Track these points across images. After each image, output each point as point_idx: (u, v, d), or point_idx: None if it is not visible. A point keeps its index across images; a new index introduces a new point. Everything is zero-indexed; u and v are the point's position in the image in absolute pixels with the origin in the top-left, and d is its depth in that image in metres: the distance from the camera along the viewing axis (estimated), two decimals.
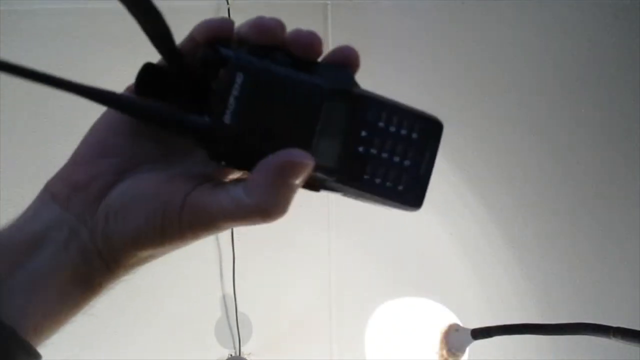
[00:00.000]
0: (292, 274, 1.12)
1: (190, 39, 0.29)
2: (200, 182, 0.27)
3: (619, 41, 0.99)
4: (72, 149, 0.30)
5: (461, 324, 0.73)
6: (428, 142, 0.29)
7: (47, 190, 0.29)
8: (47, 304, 0.28)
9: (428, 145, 0.29)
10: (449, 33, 1.07)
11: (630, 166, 1.00)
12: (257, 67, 0.26)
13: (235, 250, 1.07)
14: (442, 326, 0.73)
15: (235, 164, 0.28)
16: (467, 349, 0.71)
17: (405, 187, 0.29)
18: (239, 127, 0.26)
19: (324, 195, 0.29)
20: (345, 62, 0.28)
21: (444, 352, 0.71)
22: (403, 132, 0.29)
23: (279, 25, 0.27)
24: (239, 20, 0.28)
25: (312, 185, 0.28)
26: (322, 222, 1.12)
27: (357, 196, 0.29)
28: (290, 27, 0.28)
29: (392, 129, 0.28)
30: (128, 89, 0.29)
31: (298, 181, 0.25)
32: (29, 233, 0.28)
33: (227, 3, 0.97)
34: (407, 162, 0.29)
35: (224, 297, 1.10)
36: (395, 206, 0.29)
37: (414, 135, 0.29)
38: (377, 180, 0.28)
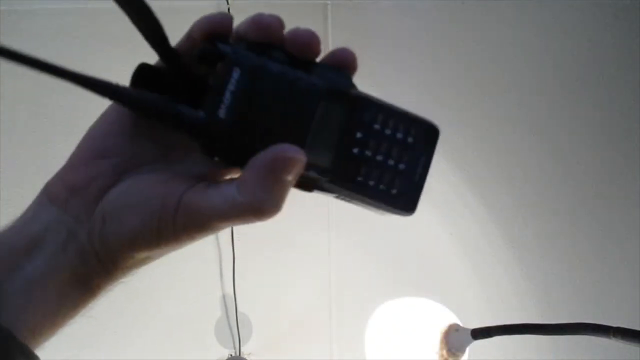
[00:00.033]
0: (292, 274, 1.12)
1: (188, 37, 0.28)
2: (196, 183, 0.27)
3: (619, 41, 0.99)
4: (72, 149, 0.30)
5: (461, 324, 0.73)
6: (424, 146, 0.29)
7: (46, 192, 0.29)
8: (45, 306, 0.28)
9: (424, 150, 0.29)
10: (449, 33, 1.07)
11: (630, 166, 1.00)
12: (255, 63, 0.26)
13: (235, 250, 1.07)
14: (442, 326, 0.73)
15: (228, 160, 0.27)
16: (467, 349, 0.71)
17: (399, 191, 0.28)
18: (233, 122, 0.26)
19: (324, 195, 0.29)
20: (343, 63, 0.28)
21: (444, 352, 0.71)
22: (399, 135, 0.28)
23: (277, 22, 0.27)
24: (239, 20, 0.28)
25: (305, 185, 0.28)
26: (322, 222, 1.12)
27: (350, 198, 0.29)
28: (290, 27, 0.28)
29: (388, 131, 0.28)
30: None
31: (291, 177, 0.25)
32: (27, 235, 0.28)
33: (227, 3, 0.97)
34: (401, 166, 0.28)
35: (224, 297, 1.10)
36: (388, 210, 0.29)
37: (410, 139, 0.28)
38: (371, 183, 0.28)
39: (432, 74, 1.08)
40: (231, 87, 0.26)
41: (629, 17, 0.98)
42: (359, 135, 0.28)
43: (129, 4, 0.25)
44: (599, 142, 1.02)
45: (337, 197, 0.29)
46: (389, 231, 1.05)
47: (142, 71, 0.28)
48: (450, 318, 0.74)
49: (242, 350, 1.11)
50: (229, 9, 0.96)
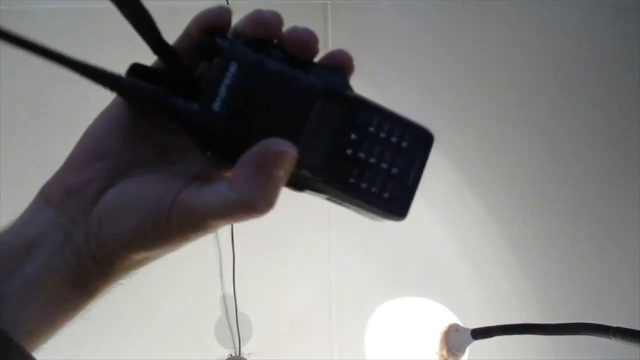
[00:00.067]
0: (292, 274, 1.12)
1: (186, 34, 0.28)
2: (191, 183, 0.27)
3: (619, 41, 0.99)
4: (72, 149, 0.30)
5: (461, 324, 0.73)
6: (418, 152, 0.29)
7: (42, 194, 0.29)
8: (42, 308, 0.28)
9: (418, 155, 0.29)
10: (449, 33, 1.07)
11: (630, 166, 1.00)
12: (252, 59, 0.26)
13: (235, 250, 1.07)
14: (442, 326, 0.73)
15: (221, 155, 0.27)
16: (467, 349, 0.71)
17: (391, 195, 0.28)
18: (227, 116, 0.26)
19: (315, 196, 0.29)
20: (340, 65, 0.28)
21: (444, 352, 0.71)
22: (393, 139, 0.28)
23: (276, 18, 0.27)
24: (239, 20, 0.28)
25: (297, 184, 0.27)
26: (322, 222, 1.12)
27: (341, 200, 0.28)
28: (289, 26, 0.28)
29: (383, 134, 0.28)
30: None
31: (282, 172, 0.25)
32: (24, 237, 0.28)
33: (227, 3, 0.97)
34: (395, 170, 0.28)
35: (224, 297, 1.10)
36: (379, 214, 0.29)
37: (404, 144, 0.28)
38: (363, 185, 0.28)
39: (432, 74, 1.08)
40: (227, 81, 0.26)
41: (629, 17, 0.98)
42: (353, 136, 0.27)
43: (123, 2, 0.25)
44: (599, 142, 1.02)
45: (328, 199, 0.29)
46: (389, 231, 1.05)
47: (135, 71, 0.28)
48: (450, 318, 0.74)
49: (242, 350, 1.11)
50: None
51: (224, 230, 1.07)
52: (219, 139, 0.26)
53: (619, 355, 0.83)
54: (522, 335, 0.67)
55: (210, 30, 0.27)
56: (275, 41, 0.27)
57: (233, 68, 0.26)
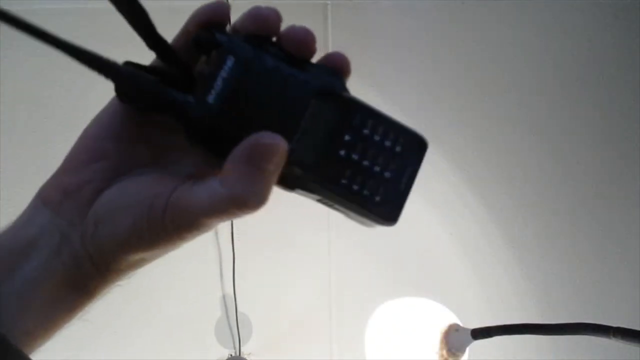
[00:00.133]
0: (292, 274, 1.12)
1: (184, 31, 0.28)
2: (185, 182, 0.27)
3: (619, 41, 0.99)
4: None
5: (461, 324, 0.73)
6: (411, 157, 0.28)
7: (40, 196, 0.29)
8: (40, 309, 0.28)
9: (411, 160, 0.28)
10: (449, 33, 1.07)
11: (630, 166, 1.00)
12: (250, 54, 0.26)
13: (235, 250, 1.07)
14: (442, 326, 0.73)
15: (213, 149, 0.27)
16: (467, 349, 0.71)
17: (383, 199, 0.28)
18: (221, 109, 0.26)
19: (306, 196, 0.29)
20: (337, 67, 0.28)
21: (444, 352, 0.71)
22: (387, 143, 0.28)
23: (275, 14, 0.27)
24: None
25: (288, 182, 0.27)
26: (322, 222, 1.12)
27: (332, 202, 0.28)
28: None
29: (377, 137, 0.28)
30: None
31: (272, 166, 0.24)
32: (22, 239, 0.28)
33: (227, 2, 0.97)
34: (387, 174, 0.28)
35: (224, 297, 1.10)
36: (369, 217, 0.28)
37: (398, 148, 0.28)
38: (355, 187, 0.27)
39: (432, 74, 1.08)
40: (224, 74, 0.26)
41: (629, 17, 0.98)
42: (347, 138, 0.27)
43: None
44: (599, 142, 1.02)
45: (319, 201, 0.28)
46: (389, 231, 1.05)
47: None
48: (450, 318, 0.74)
49: (242, 350, 1.12)
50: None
51: (224, 230, 1.07)
52: (212, 133, 0.26)
53: (619, 355, 0.83)
54: (522, 335, 0.67)
55: (209, 25, 0.27)
56: (273, 39, 0.27)
57: (230, 62, 0.26)
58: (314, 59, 0.28)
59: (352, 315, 1.10)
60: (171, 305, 1.05)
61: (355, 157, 0.27)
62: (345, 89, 0.28)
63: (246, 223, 1.06)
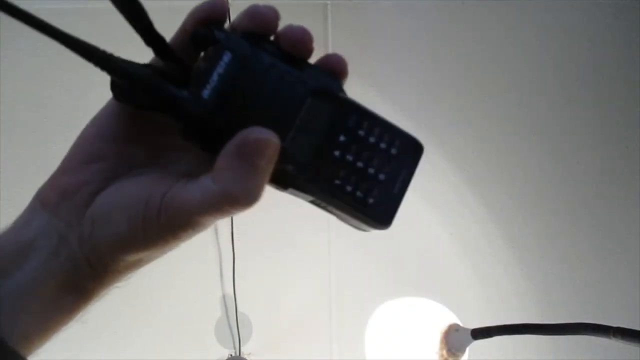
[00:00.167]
0: (292, 274, 1.12)
1: (183, 29, 0.28)
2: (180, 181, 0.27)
3: (619, 41, 0.99)
4: None
5: (461, 324, 0.73)
6: (407, 160, 0.28)
7: (38, 198, 0.29)
8: (38, 311, 0.28)
9: (406, 163, 0.28)
10: (449, 33, 1.07)
11: (630, 166, 1.00)
12: (246, 51, 0.26)
13: (235, 250, 1.07)
14: (442, 326, 0.73)
15: (207, 145, 0.26)
16: (467, 349, 0.71)
17: (376, 201, 0.27)
18: (215, 104, 0.25)
19: (299, 197, 0.28)
20: (334, 69, 0.28)
21: (444, 352, 0.71)
22: (383, 145, 0.28)
23: (273, 12, 0.27)
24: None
25: (281, 180, 0.27)
26: (322, 222, 1.12)
27: (325, 203, 0.28)
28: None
29: (372, 139, 0.27)
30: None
31: (264, 162, 0.24)
32: (20, 240, 0.28)
33: (228, 3, 0.97)
34: (382, 176, 0.28)
35: (224, 297, 1.10)
36: (362, 220, 0.28)
37: (393, 151, 0.28)
38: (348, 188, 0.27)
39: (432, 74, 1.08)
40: (220, 69, 0.25)
41: (629, 17, 0.98)
42: (342, 138, 0.27)
43: None
44: (599, 142, 1.03)
45: (312, 202, 0.28)
46: (388, 231, 1.05)
47: None
48: (450, 318, 0.74)
49: (242, 350, 1.11)
50: (229, 9, 0.95)
51: (224, 230, 1.07)
52: (205, 129, 0.26)
53: (619, 355, 0.83)
54: (522, 335, 0.67)
55: (207, 22, 0.27)
56: (271, 37, 0.27)
57: (227, 57, 0.26)
58: (313, 59, 0.28)
59: (352, 315, 1.10)
60: (171, 305, 1.05)
61: (349, 158, 0.27)
62: (342, 91, 0.28)
63: (246, 223, 1.06)
